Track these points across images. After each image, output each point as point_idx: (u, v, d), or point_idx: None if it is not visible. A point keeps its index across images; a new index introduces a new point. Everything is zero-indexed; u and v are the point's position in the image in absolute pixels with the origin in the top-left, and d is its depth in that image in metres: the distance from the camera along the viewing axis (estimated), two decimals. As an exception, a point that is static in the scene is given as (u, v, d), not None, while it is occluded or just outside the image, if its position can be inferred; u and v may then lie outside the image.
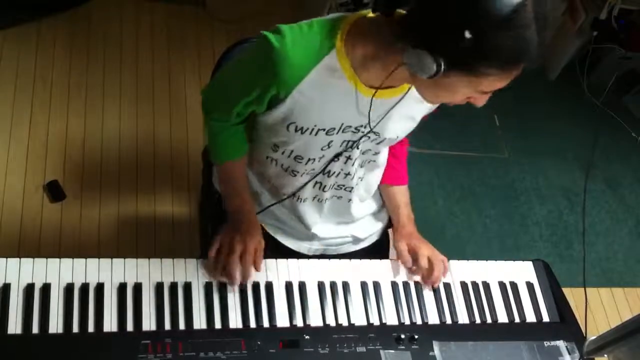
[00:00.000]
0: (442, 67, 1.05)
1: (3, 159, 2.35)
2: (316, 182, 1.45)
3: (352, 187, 1.48)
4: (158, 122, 2.60)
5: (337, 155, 1.37)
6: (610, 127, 3.26)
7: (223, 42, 2.77)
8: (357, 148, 1.36)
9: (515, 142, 3.07)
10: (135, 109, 2.61)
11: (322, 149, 1.34)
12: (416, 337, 1.36)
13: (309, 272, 1.42)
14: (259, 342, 1.28)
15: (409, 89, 1.27)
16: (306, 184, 1.44)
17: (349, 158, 1.38)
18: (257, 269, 1.37)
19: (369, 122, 1.29)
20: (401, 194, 1.59)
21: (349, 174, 1.43)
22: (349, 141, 1.34)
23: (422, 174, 2.74)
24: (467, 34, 1.00)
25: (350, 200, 1.53)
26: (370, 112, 1.26)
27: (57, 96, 2.56)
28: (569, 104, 3.31)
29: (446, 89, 1.12)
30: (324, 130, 1.29)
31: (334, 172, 1.42)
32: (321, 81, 1.21)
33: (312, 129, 1.28)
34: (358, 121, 1.29)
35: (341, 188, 1.49)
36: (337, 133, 1.30)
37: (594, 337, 1.24)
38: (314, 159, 1.37)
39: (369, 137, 1.35)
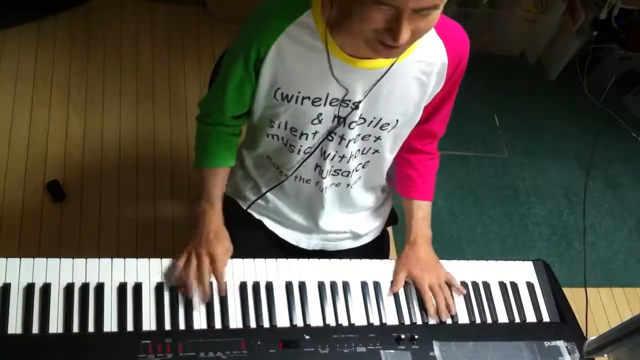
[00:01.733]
0: None
1: (3, 159, 2.36)
2: (316, 165, 1.44)
3: (349, 172, 1.46)
4: (158, 122, 2.60)
5: (330, 133, 1.36)
6: (610, 127, 3.26)
7: (223, 42, 2.78)
8: (350, 128, 1.34)
9: (515, 142, 3.07)
10: (135, 109, 2.61)
11: (312, 123, 1.33)
12: (416, 337, 1.35)
13: (309, 272, 1.42)
14: (259, 342, 1.28)
15: (392, 64, 1.25)
16: (305, 160, 1.42)
17: (342, 138, 1.37)
18: (217, 279, 1.34)
19: (347, 91, 1.27)
20: (418, 207, 1.52)
21: (344, 156, 1.41)
22: (339, 117, 1.33)
23: (422, 174, 2.73)
24: None
25: (349, 185, 1.50)
26: (342, 79, 1.24)
27: (57, 96, 2.56)
28: (569, 104, 3.31)
29: (355, 8, 1.06)
30: (308, 99, 1.28)
31: (329, 154, 1.40)
32: (298, 40, 1.21)
33: (297, 97, 1.28)
34: (342, 92, 1.28)
35: (338, 173, 1.46)
36: (324, 105, 1.29)
37: (594, 337, 1.25)
38: (307, 134, 1.36)
39: (365, 120, 1.34)
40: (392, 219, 1.72)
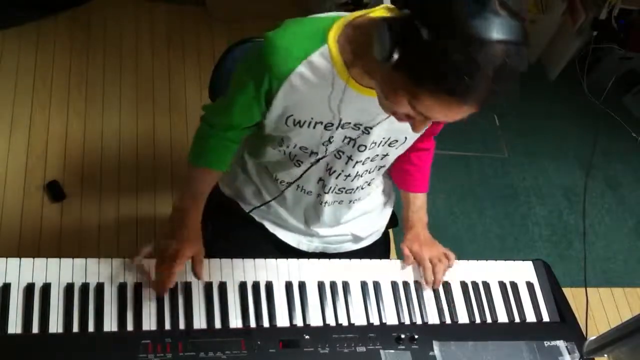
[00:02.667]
0: (394, 53, 1.00)
1: (3, 159, 2.36)
2: (319, 179, 1.45)
3: (353, 189, 1.48)
4: (158, 122, 2.60)
5: (339, 153, 1.37)
6: (610, 127, 3.26)
7: (223, 42, 2.78)
8: (359, 150, 1.35)
9: (515, 142, 3.07)
10: (135, 109, 2.61)
11: (323, 144, 1.34)
12: (416, 337, 1.36)
13: (309, 272, 1.42)
14: (259, 342, 1.28)
15: None
16: (308, 170, 1.42)
17: (350, 158, 1.38)
18: (197, 276, 1.34)
19: (347, 120, 1.28)
20: (415, 197, 1.59)
21: (349, 175, 1.43)
22: (350, 139, 1.34)
23: (422, 174, 2.74)
24: (425, 34, 0.96)
25: (351, 202, 1.53)
26: (356, 107, 1.25)
27: (57, 96, 2.56)
28: (569, 104, 3.31)
29: (391, 91, 1.08)
30: (321, 123, 1.29)
31: (335, 171, 1.41)
32: (312, 72, 1.21)
33: (310, 122, 1.28)
34: (355, 118, 1.29)
35: (342, 192, 1.48)
36: (336, 129, 1.30)
37: (594, 337, 1.24)
38: (317, 153, 1.37)
39: (375, 143, 1.35)
40: (393, 221, 1.72)
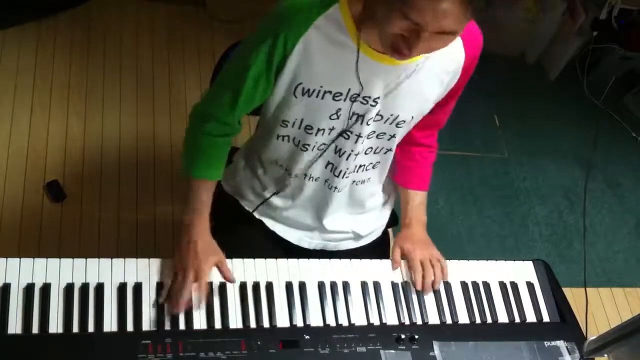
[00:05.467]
0: None
1: (3, 159, 2.35)
2: (328, 163, 1.44)
3: (362, 167, 1.46)
4: (158, 122, 2.60)
5: (346, 132, 1.36)
6: (610, 127, 3.26)
7: (223, 42, 2.76)
8: (367, 125, 1.34)
9: (515, 142, 3.07)
10: (135, 109, 2.61)
11: (330, 118, 1.33)
12: (416, 337, 1.35)
13: (309, 272, 1.42)
14: (259, 342, 1.28)
15: (418, 62, 1.27)
16: (317, 159, 1.42)
17: (359, 135, 1.37)
18: (230, 281, 1.35)
19: (360, 86, 1.28)
20: (415, 195, 1.58)
21: (358, 153, 1.41)
22: (358, 115, 1.33)
23: (422, 174, 2.73)
24: None
25: (359, 182, 1.50)
26: (366, 75, 1.26)
27: (57, 96, 2.56)
28: (569, 104, 3.31)
29: (386, 13, 1.10)
30: (330, 93, 1.29)
31: (345, 152, 1.40)
32: (325, 33, 1.22)
33: (319, 91, 1.28)
34: (365, 86, 1.28)
35: (352, 173, 1.46)
36: (344, 100, 1.30)
37: (594, 337, 1.24)
38: (324, 130, 1.35)
39: (382, 117, 1.34)
40: (393, 220, 1.72)
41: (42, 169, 2.37)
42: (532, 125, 3.17)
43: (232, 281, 1.35)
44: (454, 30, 1.09)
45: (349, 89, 1.29)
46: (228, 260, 1.39)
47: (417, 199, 1.58)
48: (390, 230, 1.76)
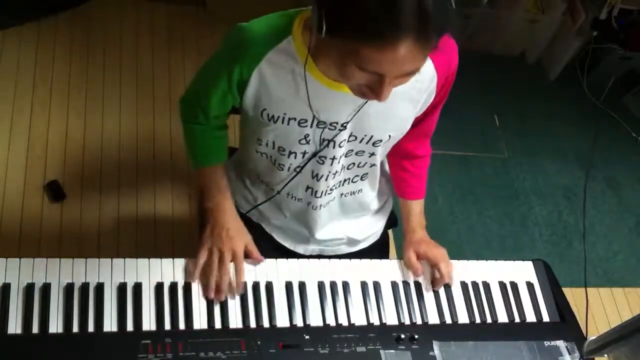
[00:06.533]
0: (323, 20, 1.00)
1: (3, 159, 2.36)
2: (307, 187, 1.44)
3: (342, 182, 1.46)
4: (158, 122, 2.60)
5: (320, 157, 1.36)
6: (610, 127, 3.26)
7: (223, 42, 2.77)
8: (340, 147, 1.34)
9: (515, 142, 3.07)
10: (135, 109, 2.61)
11: (300, 142, 1.33)
12: (416, 337, 1.36)
13: (309, 272, 1.42)
14: (259, 342, 1.28)
15: None
16: (293, 178, 1.42)
17: (333, 158, 1.36)
18: (258, 259, 1.39)
19: (313, 114, 1.27)
20: (415, 203, 1.58)
21: (337, 172, 1.41)
22: (327, 140, 1.32)
23: (422, 174, 2.73)
24: None
25: (342, 195, 1.51)
26: (326, 103, 1.25)
27: (57, 96, 2.56)
28: (569, 104, 3.31)
29: (341, 65, 1.07)
30: (294, 119, 1.28)
31: (322, 176, 1.40)
32: (280, 63, 1.21)
33: (283, 118, 1.28)
34: (329, 116, 1.27)
35: (334, 189, 1.47)
36: (310, 126, 1.29)
37: (594, 337, 1.24)
38: (295, 153, 1.35)
39: (356, 137, 1.33)
40: (392, 221, 1.72)
41: (42, 169, 2.37)
42: (532, 125, 3.17)
43: (260, 260, 1.38)
44: (415, 70, 1.05)
45: (313, 116, 1.27)
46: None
47: (418, 208, 1.57)
48: (390, 231, 1.75)
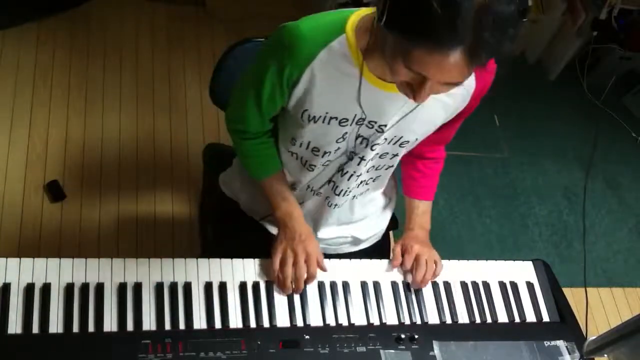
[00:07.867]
0: (386, 10, 1.01)
1: (3, 159, 2.36)
2: (330, 180, 1.45)
3: (359, 184, 1.48)
4: (158, 122, 2.60)
5: (351, 154, 1.37)
6: (610, 127, 3.26)
7: (223, 42, 2.77)
8: (372, 149, 1.35)
9: (515, 142, 3.07)
10: (135, 109, 2.61)
11: (337, 141, 1.34)
12: (416, 337, 1.36)
13: (309, 272, 1.42)
14: (259, 342, 1.28)
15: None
16: (321, 173, 1.44)
17: (362, 158, 1.38)
18: (323, 269, 1.41)
19: (362, 113, 1.28)
20: (420, 203, 1.58)
21: (361, 174, 1.43)
22: (363, 138, 1.33)
23: (422, 174, 2.73)
24: None
25: (354, 197, 1.52)
26: (372, 102, 1.26)
27: (57, 96, 2.56)
28: (569, 104, 3.30)
29: (391, 59, 1.08)
30: (336, 119, 1.29)
31: (347, 172, 1.41)
32: (332, 63, 1.22)
33: (325, 117, 1.29)
34: (373, 115, 1.29)
35: (351, 191, 1.49)
36: (350, 124, 1.30)
37: (594, 337, 1.24)
38: (330, 152, 1.37)
39: (386, 140, 1.34)
40: (393, 223, 1.72)
41: (42, 169, 2.37)
42: (532, 125, 3.17)
43: (324, 270, 1.41)
44: (459, 82, 1.07)
45: (355, 115, 1.29)
46: (228, 261, 1.39)
47: (422, 207, 1.58)
48: (391, 233, 1.76)
